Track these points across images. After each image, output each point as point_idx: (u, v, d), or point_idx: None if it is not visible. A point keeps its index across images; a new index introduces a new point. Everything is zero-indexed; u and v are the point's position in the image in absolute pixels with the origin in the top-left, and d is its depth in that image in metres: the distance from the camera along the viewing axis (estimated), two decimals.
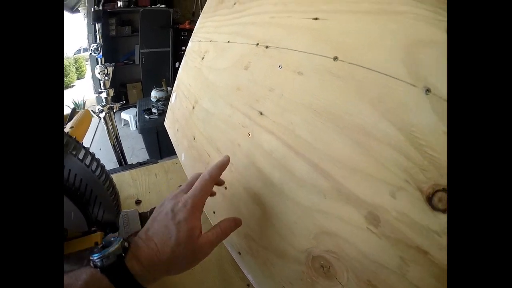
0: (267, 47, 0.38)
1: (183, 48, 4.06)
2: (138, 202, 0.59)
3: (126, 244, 0.28)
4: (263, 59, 0.38)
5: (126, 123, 3.73)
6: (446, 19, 0.21)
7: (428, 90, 0.21)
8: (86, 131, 0.82)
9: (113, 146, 1.35)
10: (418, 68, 0.22)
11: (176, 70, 4.10)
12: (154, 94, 2.61)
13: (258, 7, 0.47)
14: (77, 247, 0.36)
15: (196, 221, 0.29)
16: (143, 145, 2.50)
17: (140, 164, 0.85)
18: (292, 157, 0.29)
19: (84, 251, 0.37)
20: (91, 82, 3.86)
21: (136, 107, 3.00)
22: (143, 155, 2.61)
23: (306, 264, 0.29)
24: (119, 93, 3.98)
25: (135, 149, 2.96)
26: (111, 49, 3.82)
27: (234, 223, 0.33)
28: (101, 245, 0.27)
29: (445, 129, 0.20)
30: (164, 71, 4.09)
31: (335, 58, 0.28)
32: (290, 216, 0.30)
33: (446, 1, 0.22)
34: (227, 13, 0.59)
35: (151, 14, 3.86)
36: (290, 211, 0.30)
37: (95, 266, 0.26)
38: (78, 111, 0.84)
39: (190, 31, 3.98)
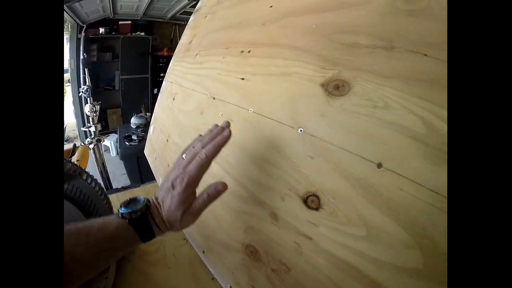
0: (214, 98, 0.53)
1: (161, 74, 4.23)
2: None
3: (148, 205, 0.35)
4: (212, 108, 0.52)
5: (107, 149, 3.75)
6: (322, 74, 0.35)
7: (301, 130, 0.36)
8: (87, 162, 0.95)
9: (100, 172, 1.45)
10: (296, 115, 0.37)
11: (154, 96, 4.23)
12: (134, 121, 2.70)
13: (211, 63, 0.62)
14: None
15: (188, 196, 0.35)
16: (123, 170, 2.54)
17: (124, 188, 0.95)
18: (227, 176, 0.44)
19: None
20: (72, 107, 3.83)
21: (116, 133, 3.05)
22: (125, 181, 2.65)
23: (242, 251, 0.42)
24: (99, 118, 4.00)
25: (116, 174, 2.98)
26: (92, 75, 3.90)
27: (220, 190, 0.37)
28: (127, 200, 0.35)
29: (312, 155, 0.34)
30: (143, 97, 4.21)
31: (250, 110, 0.43)
32: (229, 218, 0.43)
33: (325, 59, 0.35)
34: (191, 62, 0.74)
35: (131, 41, 4.01)
36: (229, 214, 0.43)
37: (123, 218, 0.33)
38: (78, 147, 0.97)
39: (168, 58, 4.16)
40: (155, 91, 4.32)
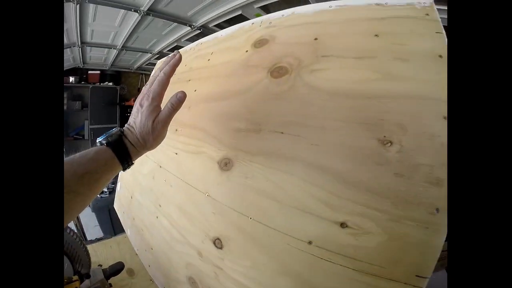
0: (160, 166, 0.71)
1: None
2: (100, 265, 0.82)
3: (122, 129, 0.41)
4: (160, 174, 0.70)
5: None
6: (218, 154, 0.50)
7: (208, 194, 0.52)
8: None
9: (76, 225, 1.54)
10: (205, 184, 0.53)
11: None
12: None
13: None
14: None
15: (154, 107, 0.40)
16: (96, 222, 2.56)
17: (98, 240, 1.07)
18: (171, 228, 0.61)
19: None
20: None
21: None
22: (98, 232, 2.64)
23: (187, 282, 0.57)
24: None
25: (89, 226, 2.93)
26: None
27: (181, 98, 0.42)
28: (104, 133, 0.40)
29: (214, 211, 0.51)
30: None
31: (181, 179, 0.60)
32: (176, 258, 0.59)
33: (220, 141, 0.52)
34: None
35: (99, 91, 4.12)
36: (175, 256, 0.59)
37: (101, 144, 0.38)
38: None
39: None
40: None
